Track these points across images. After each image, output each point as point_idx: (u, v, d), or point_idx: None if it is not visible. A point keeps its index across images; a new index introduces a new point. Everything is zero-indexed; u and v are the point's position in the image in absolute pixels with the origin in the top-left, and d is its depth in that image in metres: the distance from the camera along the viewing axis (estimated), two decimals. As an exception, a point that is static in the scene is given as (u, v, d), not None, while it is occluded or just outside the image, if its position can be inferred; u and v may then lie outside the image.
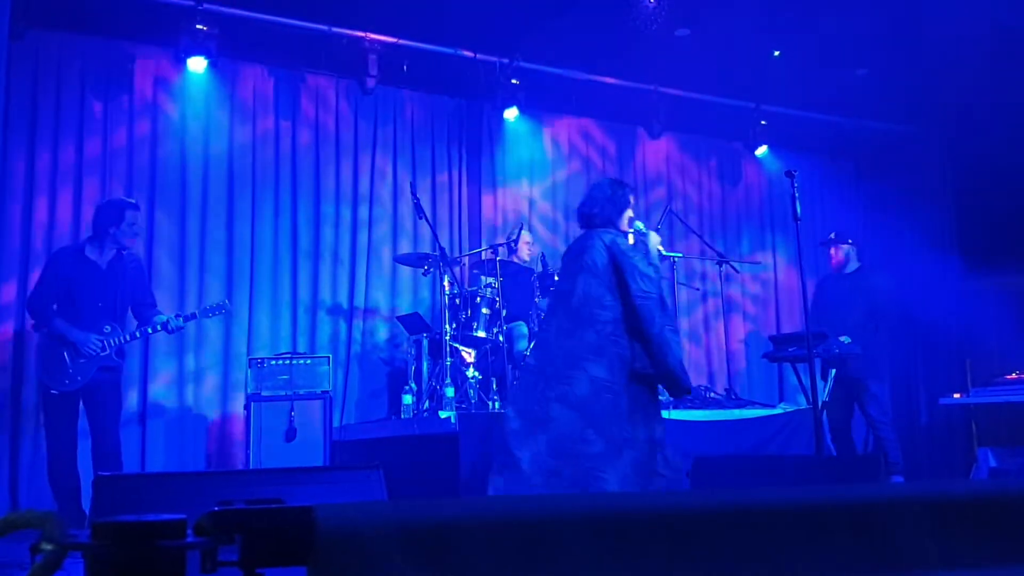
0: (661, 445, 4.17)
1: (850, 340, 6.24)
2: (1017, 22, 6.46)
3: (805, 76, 7.93)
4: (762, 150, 8.63)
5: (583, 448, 4.00)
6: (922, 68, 7.61)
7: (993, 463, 7.07)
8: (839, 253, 6.84)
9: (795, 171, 5.30)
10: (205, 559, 1.29)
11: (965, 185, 8.47)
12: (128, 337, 5.27)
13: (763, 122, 8.55)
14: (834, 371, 6.34)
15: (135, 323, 5.42)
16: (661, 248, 4.74)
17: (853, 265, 6.84)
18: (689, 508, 1.44)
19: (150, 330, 5.38)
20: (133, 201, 5.49)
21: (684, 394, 4.55)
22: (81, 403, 5.18)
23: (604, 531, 1.22)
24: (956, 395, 7.46)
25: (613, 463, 3.99)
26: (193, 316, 5.52)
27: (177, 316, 5.43)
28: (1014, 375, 7.17)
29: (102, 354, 5.11)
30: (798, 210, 5.22)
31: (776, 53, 7.74)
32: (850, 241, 6.87)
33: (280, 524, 1.26)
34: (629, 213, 4.55)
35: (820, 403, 5.64)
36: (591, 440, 4.00)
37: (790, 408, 6.69)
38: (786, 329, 8.45)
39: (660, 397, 4.46)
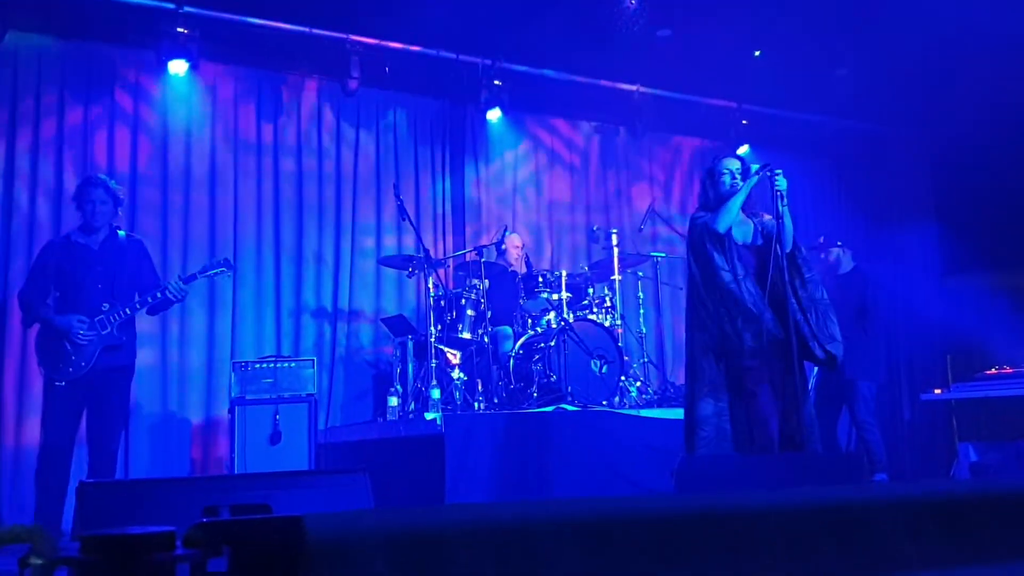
0: None
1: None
2: (994, 25, 6.52)
3: (785, 76, 7.98)
4: (744, 149, 8.66)
5: None
6: (901, 68, 7.68)
7: (974, 457, 7.14)
8: (829, 256, 6.87)
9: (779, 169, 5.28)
10: (194, 571, 1.30)
11: (945, 184, 8.56)
12: (127, 311, 4.99)
13: (744, 121, 8.58)
14: (816, 370, 6.40)
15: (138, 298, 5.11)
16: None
17: (846, 267, 6.87)
18: (672, 513, 1.46)
19: (150, 299, 5.07)
20: (97, 176, 5.26)
21: None
22: (85, 406, 4.98)
23: (588, 536, 1.24)
24: (937, 391, 7.53)
25: None
26: (193, 277, 5.21)
27: (179, 279, 5.15)
28: (993, 370, 7.25)
29: (103, 332, 4.92)
30: (780, 208, 5.21)
31: (757, 53, 7.78)
32: (839, 243, 6.90)
33: (269, 535, 1.27)
34: None
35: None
36: None
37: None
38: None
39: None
